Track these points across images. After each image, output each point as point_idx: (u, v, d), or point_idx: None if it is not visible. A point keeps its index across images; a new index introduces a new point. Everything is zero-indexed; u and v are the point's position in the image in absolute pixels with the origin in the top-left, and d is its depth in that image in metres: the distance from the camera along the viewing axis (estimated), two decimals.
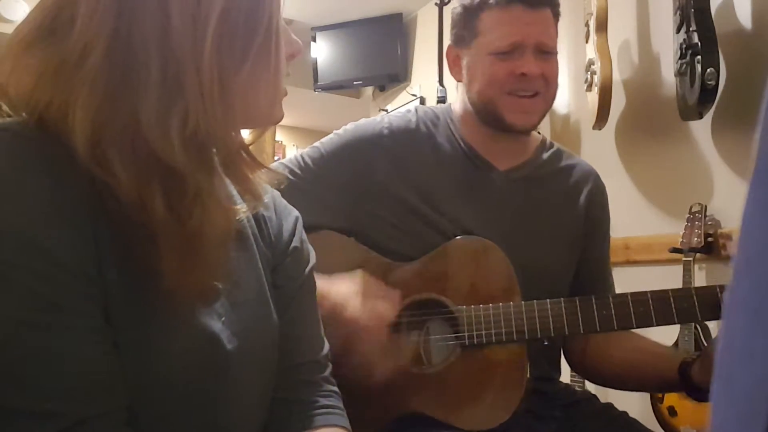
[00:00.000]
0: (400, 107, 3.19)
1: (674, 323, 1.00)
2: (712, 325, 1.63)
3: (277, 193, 0.80)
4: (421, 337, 1.07)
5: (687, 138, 1.90)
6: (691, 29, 1.64)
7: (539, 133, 1.19)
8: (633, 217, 2.04)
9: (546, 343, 1.06)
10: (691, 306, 0.99)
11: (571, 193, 1.17)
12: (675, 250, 1.73)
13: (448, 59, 1.17)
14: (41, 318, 0.51)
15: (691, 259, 1.68)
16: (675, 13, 1.72)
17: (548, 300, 1.03)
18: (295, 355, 0.73)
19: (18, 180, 0.51)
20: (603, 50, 2.02)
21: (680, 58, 1.70)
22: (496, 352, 1.03)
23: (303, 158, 1.14)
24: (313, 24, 3.64)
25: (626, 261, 2.02)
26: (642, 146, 2.08)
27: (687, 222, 1.73)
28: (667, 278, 1.78)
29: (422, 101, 3.33)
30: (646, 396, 1.73)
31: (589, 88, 2.11)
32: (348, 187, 1.11)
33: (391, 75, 3.59)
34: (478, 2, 1.08)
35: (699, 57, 1.61)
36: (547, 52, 1.08)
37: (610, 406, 1.15)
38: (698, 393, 0.99)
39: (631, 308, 1.00)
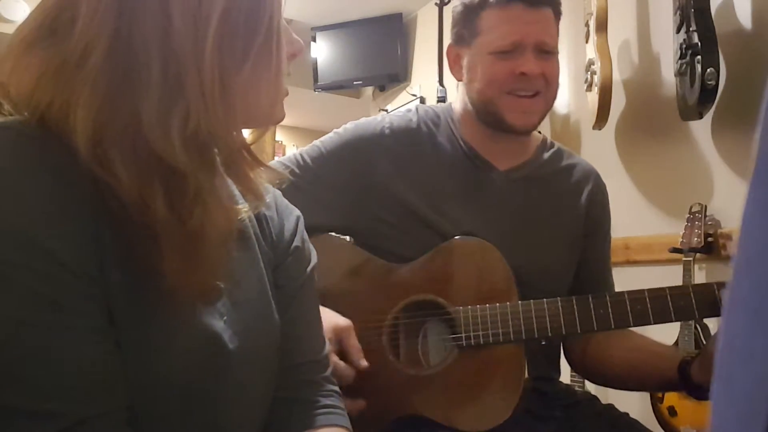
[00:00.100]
0: (400, 107, 3.19)
1: (672, 321, 1.00)
2: (712, 325, 1.63)
3: (278, 193, 0.80)
4: (419, 339, 1.07)
5: (687, 138, 1.90)
6: (691, 29, 1.64)
7: (539, 132, 1.19)
8: (633, 217, 2.04)
9: (543, 342, 1.06)
10: (688, 304, 0.98)
11: (572, 192, 1.16)
12: (675, 250, 1.73)
13: (448, 58, 1.17)
14: (42, 318, 0.51)
15: (691, 259, 1.68)
16: (675, 13, 1.72)
17: (545, 300, 1.02)
18: (296, 354, 0.73)
19: (20, 179, 0.51)
20: (603, 50, 2.02)
21: (680, 58, 1.70)
22: (493, 352, 1.02)
23: (302, 157, 1.13)
24: (313, 24, 3.64)
25: (626, 261, 2.02)
26: (642, 146, 2.08)
27: (687, 222, 1.74)
28: (667, 278, 1.77)
29: (422, 101, 3.33)
30: (646, 396, 1.73)
31: (589, 88, 2.12)
32: (348, 187, 1.10)
33: (391, 75, 3.59)
34: (479, 1, 1.07)
35: (699, 57, 1.61)
36: (547, 52, 1.07)
37: (611, 407, 1.15)
38: (698, 392, 0.98)
39: (629, 307, 1.00)
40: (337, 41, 3.68)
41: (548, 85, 1.09)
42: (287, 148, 4.86)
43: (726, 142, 1.78)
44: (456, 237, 1.07)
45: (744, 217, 0.25)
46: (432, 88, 3.12)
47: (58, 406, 0.51)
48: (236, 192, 0.68)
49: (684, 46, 1.66)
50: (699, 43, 1.62)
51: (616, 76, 2.08)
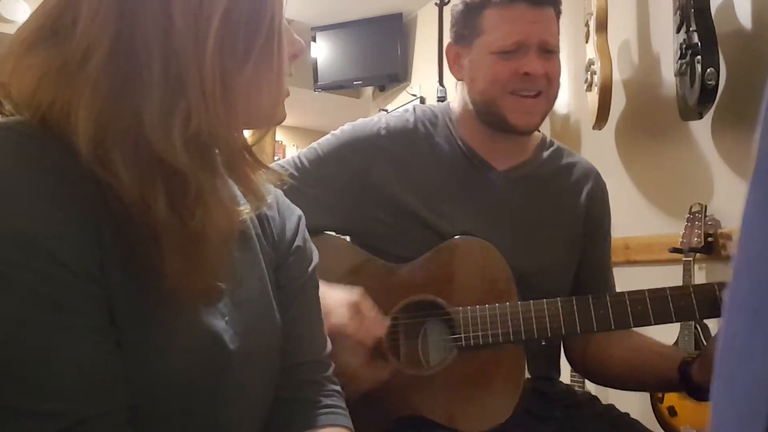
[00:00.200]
0: (400, 107, 3.19)
1: (672, 322, 0.99)
2: (712, 325, 1.63)
3: (280, 192, 0.80)
4: (419, 339, 1.07)
5: (687, 138, 1.90)
6: (691, 29, 1.64)
7: (539, 131, 1.18)
8: (633, 217, 2.04)
9: (543, 343, 1.06)
10: (689, 304, 0.98)
11: (572, 191, 1.16)
12: (675, 250, 1.73)
13: (447, 57, 1.16)
14: (42, 318, 0.51)
15: (691, 259, 1.68)
16: (675, 13, 1.72)
17: (545, 300, 1.02)
18: (297, 354, 0.73)
19: (22, 179, 0.51)
20: (603, 50, 2.02)
21: (680, 58, 1.70)
22: (493, 352, 1.02)
23: (300, 159, 1.13)
24: (313, 24, 3.64)
25: (626, 261, 2.02)
26: (642, 146, 2.08)
27: (687, 222, 1.73)
28: (667, 278, 1.77)
29: (422, 101, 3.33)
30: (646, 396, 1.73)
31: (589, 88, 2.11)
32: (346, 189, 1.10)
33: (391, 75, 3.59)
34: (481, 0, 1.07)
35: (699, 57, 1.61)
36: (550, 51, 1.07)
37: (611, 408, 1.15)
38: (698, 392, 0.98)
39: (629, 307, 0.99)
40: (337, 41, 3.68)
41: (550, 85, 1.08)
42: (287, 148, 4.86)
43: (726, 142, 1.78)
44: (456, 237, 1.06)
45: (744, 217, 0.25)
46: (432, 88, 3.12)
47: (59, 406, 0.51)
48: (238, 193, 0.68)
49: (684, 46, 1.66)
50: (699, 43, 1.62)
51: (616, 76, 2.08)
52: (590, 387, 1.66)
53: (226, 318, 0.63)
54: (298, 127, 4.80)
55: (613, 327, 1.00)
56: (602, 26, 2.04)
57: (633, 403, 1.53)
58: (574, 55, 2.35)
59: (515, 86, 1.06)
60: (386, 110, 3.61)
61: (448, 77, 1.20)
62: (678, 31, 1.71)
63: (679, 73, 1.73)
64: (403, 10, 3.54)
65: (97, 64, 0.52)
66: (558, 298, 1.02)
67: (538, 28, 1.05)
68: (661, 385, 1.26)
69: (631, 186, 2.11)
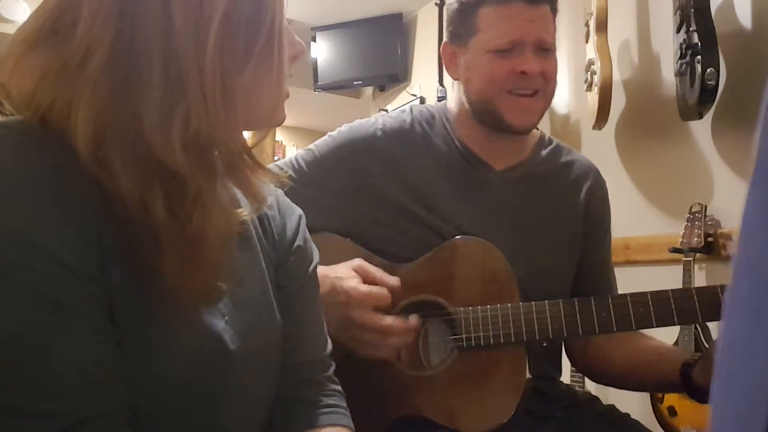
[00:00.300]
0: (400, 107, 3.19)
1: (674, 324, 0.98)
2: (712, 326, 1.63)
3: (280, 192, 0.80)
4: (420, 339, 1.06)
5: (687, 138, 1.90)
6: (691, 29, 1.64)
7: (538, 129, 1.18)
8: (633, 217, 2.04)
9: (545, 344, 1.05)
10: (691, 307, 0.96)
11: (571, 190, 1.16)
12: (675, 250, 1.73)
13: (443, 57, 1.15)
14: (42, 318, 0.51)
15: (691, 259, 1.68)
16: (675, 13, 1.72)
17: (546, 301, 1.01)
18: (298, 354, 0.73)
19: (22, 179, 0.52)
20: (603, 50, 2.02)
21: (680, 58, 1.70)
22: (494, 352, 1.02)
23: (297, 161, 1.13)
24: (313, 24, 3.64)
25: (626, 261, 2.02)
26: (642, 146, 2.08)
27: (687, 222, 1.74)
28: (667, 278, 1.78)
29: (422, 101, 3.33)
30: (646, 396, 1.73)
31: (589, 88, 2.12)
32: (343, 190, 1.10)
33: (391, 75, 3.59)
34: None
35: (699, 57, 1.61)
36: (546, 49, 1.07)
37: (612, 408, 1.15)
38: (700, 394, 0.98)
39: (631, 309, 0.98)
40: (337, 41, 3.68)
41: (547, 83, 1.08)
42: (287, 148, 4.87)
43: (726, 142, 1.78)
44: (457, 237, 1.06)
45: (744, 217, 0.25)
46: (432, 88, 3.12)
47: (59, 406, 0.51)
48: (238, 194, 0.68)
49: (684, 46, 1.66)
50: (699, 43, 1.62)
51: (616, 76, 2.08)
52: (590, 387, 1.66)
53: (227, 318, 0.63)
54: (298, 127, 4.80)
55: (615, 329, 0.99)
56: (602, 26, 2.04)
57: (633, 403, 1.53)
58: (574, 55, 2.35)
59: (512, 85, 1.05)
60: (386, 110, 3.61)
61: (448, 77, 1.19)
62: (678, 31, 1.71)
63: (679, 73, 1.73)
64: (403, 10, 3.54)
65: (97, 65, 0.52)
66: (560, 300, 1.02)
67: (535, 27, 1.04)
68: (662, 386, 1.25)
69: (631, 186, 2.11)
